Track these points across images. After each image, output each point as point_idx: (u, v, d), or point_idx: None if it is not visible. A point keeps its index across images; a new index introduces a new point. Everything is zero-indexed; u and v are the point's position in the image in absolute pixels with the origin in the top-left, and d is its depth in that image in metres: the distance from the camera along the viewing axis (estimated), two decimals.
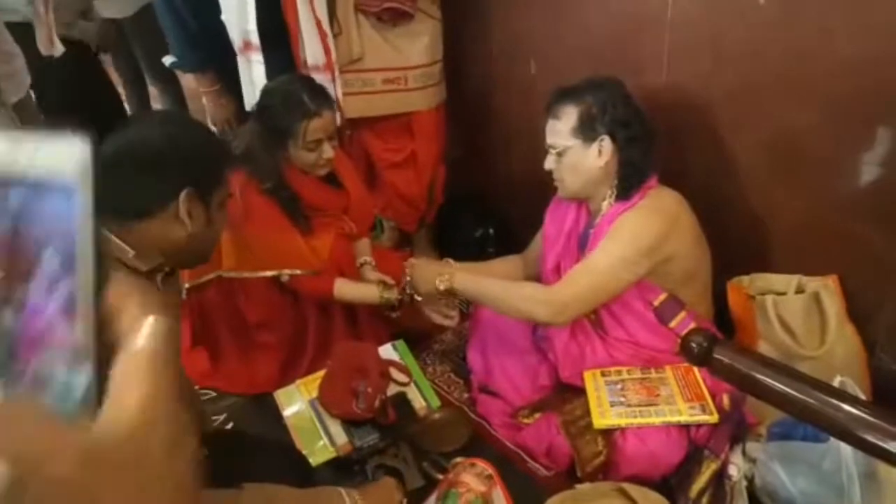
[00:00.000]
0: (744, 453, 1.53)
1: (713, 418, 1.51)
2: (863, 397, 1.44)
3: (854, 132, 1.53)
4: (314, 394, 1.71)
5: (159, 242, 1.10)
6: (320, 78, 1.95)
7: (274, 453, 1.45)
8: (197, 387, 1.88)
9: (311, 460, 1.56)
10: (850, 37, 1.45)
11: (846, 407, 0.97)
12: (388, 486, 1.40)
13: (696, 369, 1.61)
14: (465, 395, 1.95)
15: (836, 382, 1.39)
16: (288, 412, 1.72)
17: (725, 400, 1.55)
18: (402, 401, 1.74)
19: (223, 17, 2.01)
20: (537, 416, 1.71)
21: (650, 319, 1.66)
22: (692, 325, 1.63)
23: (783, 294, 1.68)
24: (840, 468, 1.32)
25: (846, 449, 1.31)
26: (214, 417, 1.87)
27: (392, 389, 1.74)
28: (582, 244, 1.73)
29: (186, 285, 1.89)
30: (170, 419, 0.32)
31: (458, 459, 1.57)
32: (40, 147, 0.31)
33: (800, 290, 1.67)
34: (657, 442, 1.52)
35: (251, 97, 2.09)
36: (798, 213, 1.69)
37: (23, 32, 1.95)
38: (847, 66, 1.48)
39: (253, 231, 1.82)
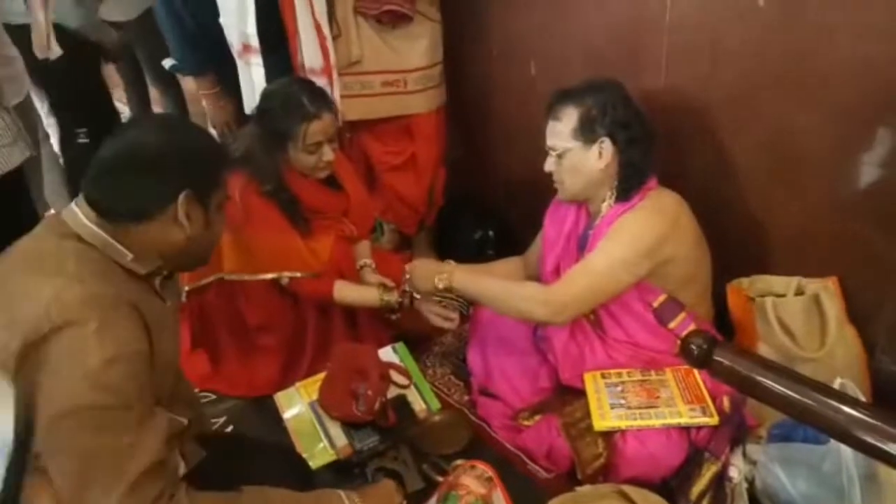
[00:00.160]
0: (744, 455, 1.53)
1: (713, 420, 1.51)
2: (863, 399, 1.44)
3: (854, 133, 1.52)
4: (314, 396, 1.71)
5: (158, 245, 1.10)
6: (318, 81, 1.95)
7: (274, 456, 1.45)
8: (197, 389, 1.87)
9: (311, 463, 1.56)
10: (850, 38, 1.45)
11: (846, 409, 0.97)
12: (387, 487, 1.40)
13: (696, 371, 1.61)
14: (466, 398, 1.95)
15: (836, 384, 1.39)
16: (288, 415, 1.72)
17: (726, 402, 1.55)
18: (402, 403, 1.74)
19: (222, 20, 2.02)
20: (537, 418, 1.71)
21: (650, 320, 1.66)
22: (692, 327, 1.63)
23: (783, 296, 1.68)
24: (840, 470, 1.31)
25: (846, 451, 1.31)
26: (214, 420, 1.87)
27: (392, 392, 1.74)
28: (581, 246, 1.73)
29: (186, 288, 1.89)
30: None
31: (459, 462, 1.58)
32: None
33: (799, 292, 1.67)
34: (657, 444, 1.51)
35: (251, 100, 2.09)
36: (798, 214, 1.69)
37: (25, 34, 1.94)
38: (847, 68, 1.48)
39: (253, 233, 1.82)
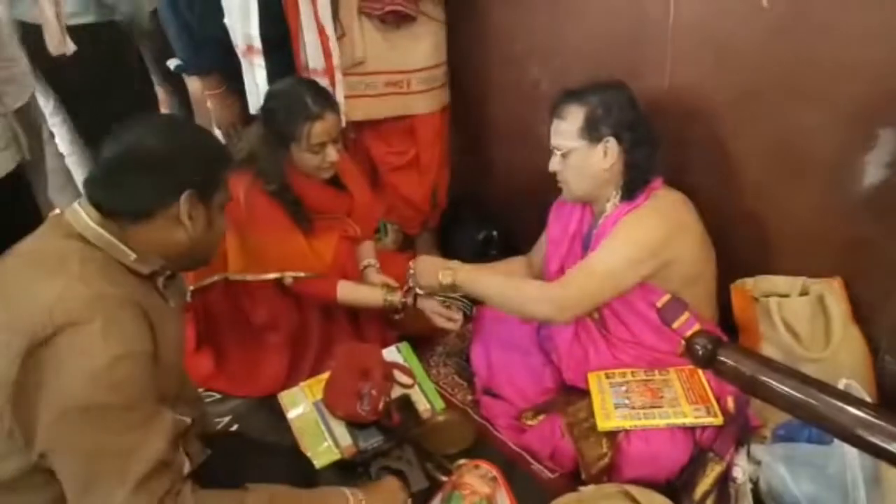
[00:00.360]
0: (748, 456, 1.53)
1: (718, 420, 1.51)
2: (868, 400, 1.44)
3: (859, 135, 1.52)
4: (318, 396, 1.71)
5: (160, 245, 1.10)
6: (320, 82, 1.95)
7: (278, 455, 1.45)
8: (201, 389, 1.88)
9: (315, 462, 1.56)
10: (855, 40, 1.45)
11: (851, 409, 0.97)
12: (392, 485, 1.40)
13: (700, 371, 1.61)
14: (469, 398, 1.95)
15: (840, 385, 1.38)
16: (292, 414, 1.72)
17: (730, 402, 1.54)
18: (405, 403, 1.74)
19: (226, 21, 2.02)
20: (541, 418, 1.71)
21: (654, 320, 1.66)
22: (696, 327, 1.63)
23: (787, 296, 1.68)
24: (845, 471, 1.31)
25: (851, 451, 1.30)
26: (218, 419, 1.87)
27: (396, 392, 1.74)
28: (586, 245, 1.73)
29: (191, 287, 1.89)
30: None
31: (462, 461, 1.58)
32: None
33: (804, 293, 1.67)
34: (662, 444, 1.51)
35: (255, 100, 2.09)
36: (802, 214, 1.69)
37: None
38: (851, 69, 1.47)
39: (257, 233, 1.82)
